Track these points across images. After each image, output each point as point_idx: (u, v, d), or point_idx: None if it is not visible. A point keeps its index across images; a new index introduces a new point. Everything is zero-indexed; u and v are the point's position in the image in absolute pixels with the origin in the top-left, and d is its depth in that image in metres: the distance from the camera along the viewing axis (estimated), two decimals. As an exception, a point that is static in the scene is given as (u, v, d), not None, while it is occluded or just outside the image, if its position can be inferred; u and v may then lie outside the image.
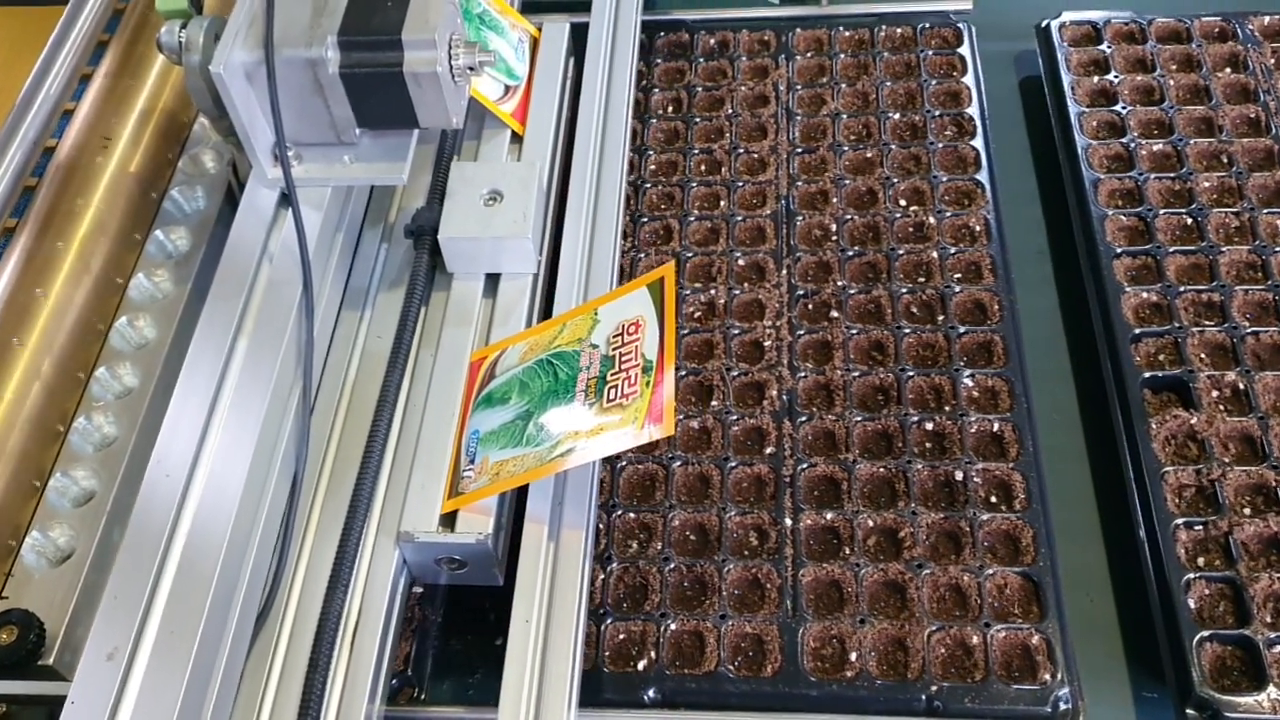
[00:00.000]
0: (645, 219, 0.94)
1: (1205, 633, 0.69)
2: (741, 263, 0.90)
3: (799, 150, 0.97)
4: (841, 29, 1.06)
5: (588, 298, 0.80)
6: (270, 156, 0.75)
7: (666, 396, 0.66)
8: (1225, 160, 0.92)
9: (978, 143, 0.96)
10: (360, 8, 0.72)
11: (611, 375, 0.69)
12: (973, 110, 0.98)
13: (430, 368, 0.77)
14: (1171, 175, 0.92)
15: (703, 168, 0.97)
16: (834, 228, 0.92)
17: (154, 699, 0.57)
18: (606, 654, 0.72)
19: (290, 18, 0.72)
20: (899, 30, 1.06)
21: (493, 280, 0.82)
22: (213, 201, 0.88)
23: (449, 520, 0.70)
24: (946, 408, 0.81)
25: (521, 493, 0.72)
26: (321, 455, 0.74)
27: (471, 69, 0.74)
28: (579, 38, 0.98)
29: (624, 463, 0.80)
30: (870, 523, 0.76)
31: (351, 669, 0.66)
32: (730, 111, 1.00)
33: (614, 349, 0.71)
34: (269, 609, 0.67)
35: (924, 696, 0.68)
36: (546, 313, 0.81)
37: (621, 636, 0.73)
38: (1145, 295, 0.85)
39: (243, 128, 0.73)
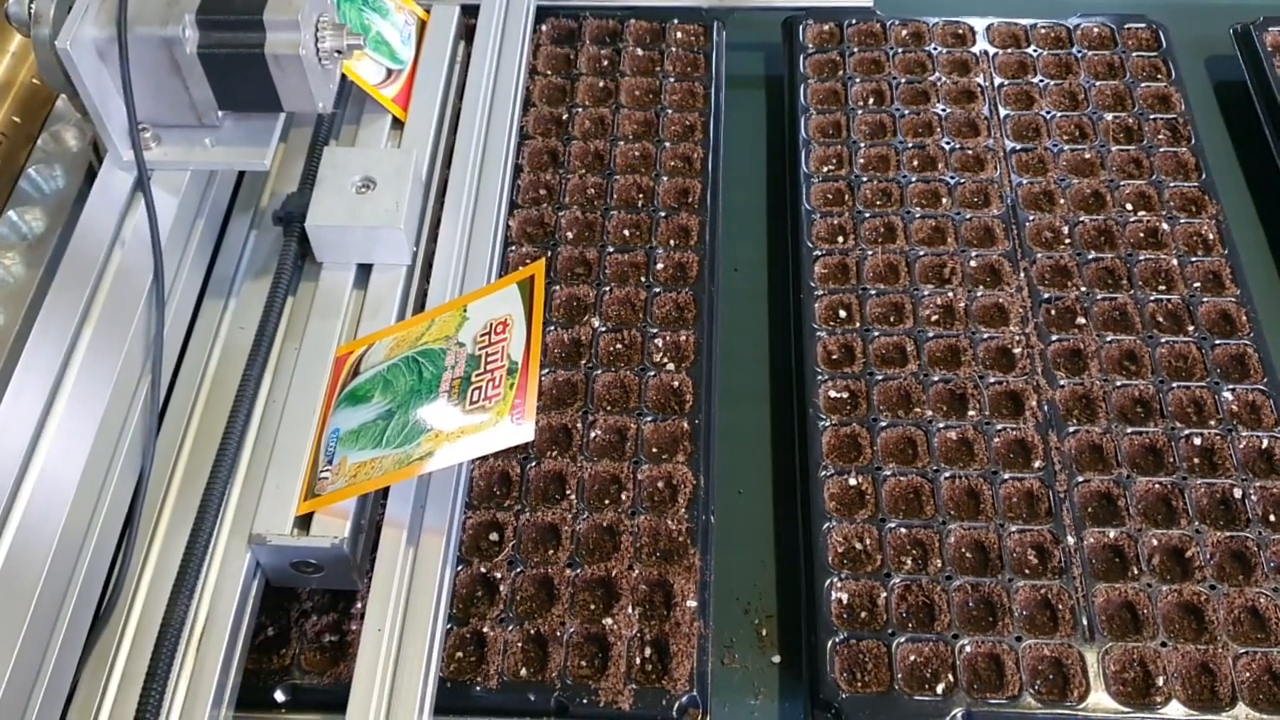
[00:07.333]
0: (866, 215, 0.90)
1: None
2: (974, 264, 0.87)
3: (1015, 148, 0.94)
4: (1038, 25, 1.03)
5: (462, 292, 0.76)
6: (125, 138, 0.71)
7: (529, 401, 0.63)
8: None
9: (1197, 147, 0.94)
10: None
11: (476, 376, 0.66)
12: (1185, 114, 0.96)
13: (294, 362, 0.72)
14: (1403, 187, 0.91)
15: (915, 162, 0.94)
16: (1065, 230, 0.89)
17: None
18: (900, 675, 0.68)
19: None
20: (1095, 29, 1.03)
21: (364, 271, 0.77)
22: (72, 181, 0.80)
23: (305, 522, 0.66)
24: (1211, 422, 0.79)
25: (385, 495, 0.69)
26: (175, 453, 0.69)
27: (340, 52, 0.70)
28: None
29: (888, 473, 0.76)
30: (1154, 541, 0.73)
31: (195, 676, 0.62)
32: (937, 106, 0.97)
33: (480, 348, 0.67)
34: (109, 613, 0.63)
35: (1238, 724, 0.66)
36: (423, 306, 0.76)
37: (913, 658, 0.69)
38: (1394, 310, 0.84)
39: (94, 108, 0.68)
